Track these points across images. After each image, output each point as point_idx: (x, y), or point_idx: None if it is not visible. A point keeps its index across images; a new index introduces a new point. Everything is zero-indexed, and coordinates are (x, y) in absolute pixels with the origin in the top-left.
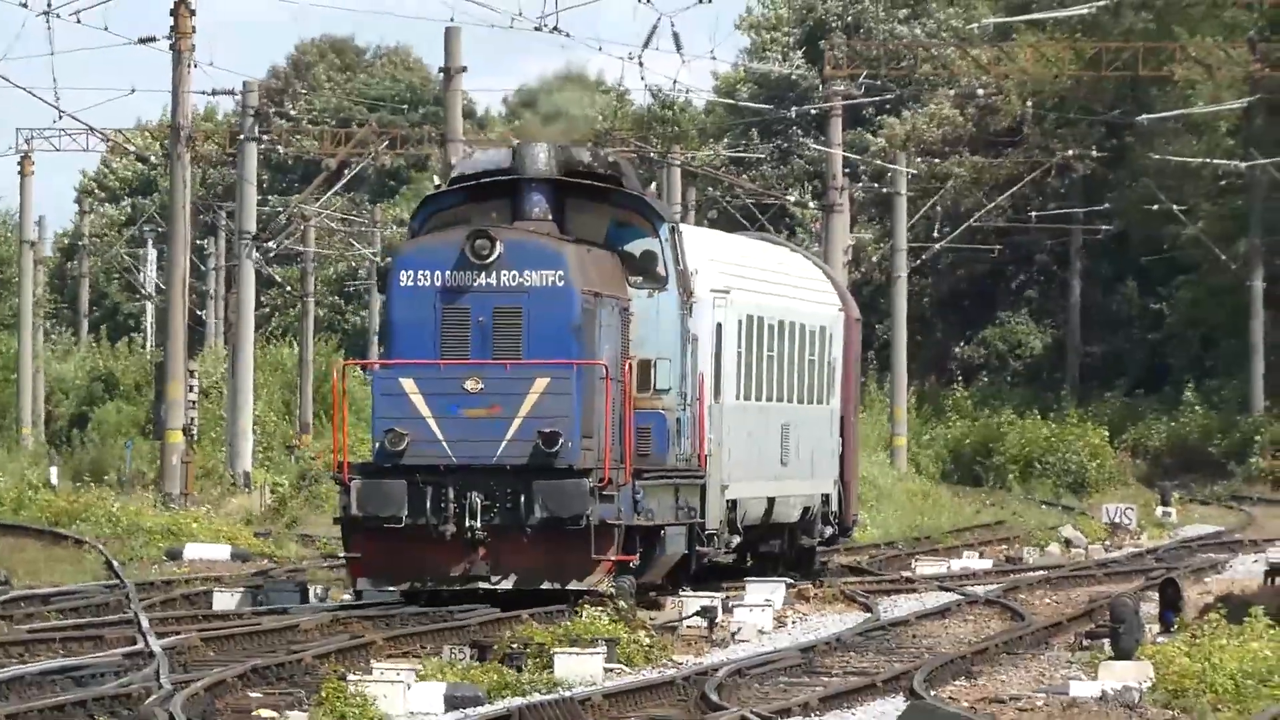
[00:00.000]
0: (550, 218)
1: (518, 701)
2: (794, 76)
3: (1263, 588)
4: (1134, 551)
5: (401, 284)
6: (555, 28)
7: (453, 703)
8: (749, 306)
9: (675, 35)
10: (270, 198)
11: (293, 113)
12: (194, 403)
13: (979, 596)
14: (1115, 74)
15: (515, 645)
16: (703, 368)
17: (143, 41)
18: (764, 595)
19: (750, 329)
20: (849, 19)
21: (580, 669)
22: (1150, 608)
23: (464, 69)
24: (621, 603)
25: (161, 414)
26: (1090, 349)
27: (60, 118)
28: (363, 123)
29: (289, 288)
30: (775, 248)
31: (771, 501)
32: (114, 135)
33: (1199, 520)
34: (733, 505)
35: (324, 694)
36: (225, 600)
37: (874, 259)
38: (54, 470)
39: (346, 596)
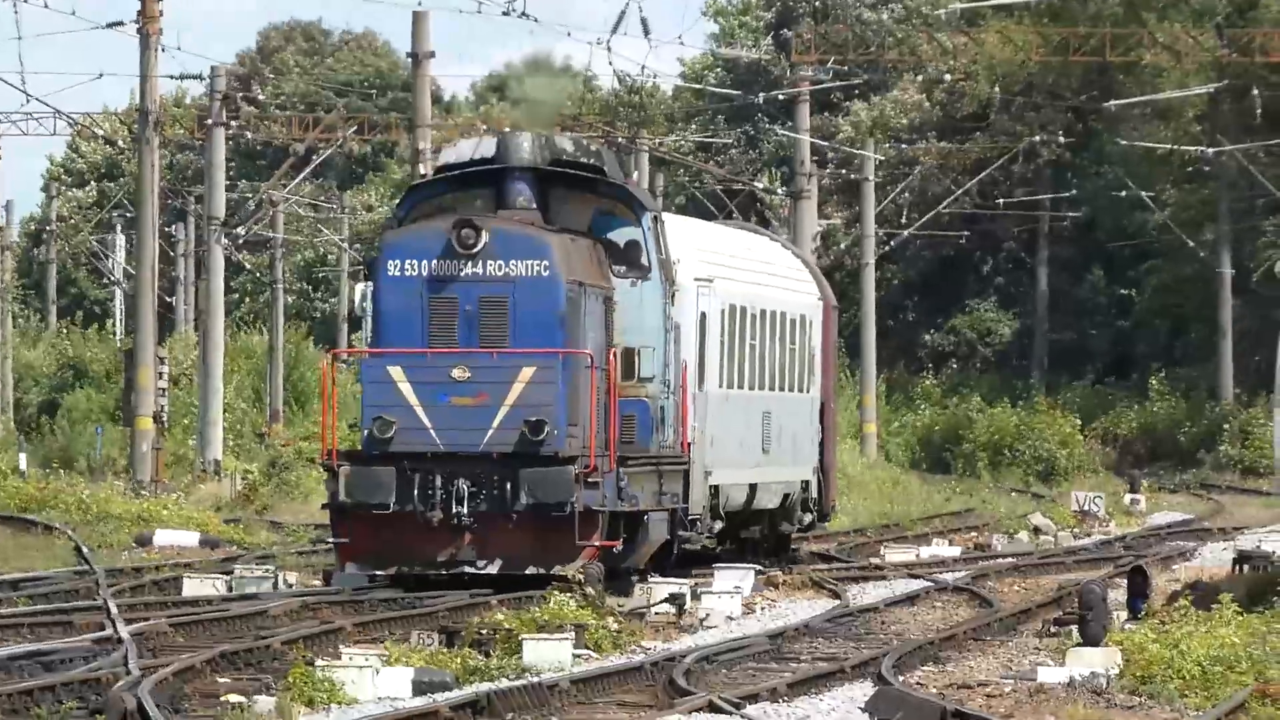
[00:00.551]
0: (535, 207)
1: (486, 686)
2: (763, 62)
3: (1230, 575)
4: (1103, 539)
5: (389, 273)
6: (524, 13)
7: (421, 688)
8: (732, 295)
9: (643, 20)
10: (239, 183)
11: (261, 98)
12: (164, 390)
13: (948, 584)
14: (1083, 59)
15: (484, 631)
16: (686, 356)
17: (110, 26)
18: (733, 582)
19: (733, 318)
20: (817, 3)
21: (549, 655)
22: (1119, 595)
23: (432, 54)
24: (590, 589)
25: (131, 401)
26: (1057, 336)
27: (28, 101)
28: (330, 108)
29: (258, 274)
30: (756, 237)
31: (753, 488)
32: (82, 120)
33: (1168, 508)
34: (715, 491)
35: (292, 679)
36: (196, 586)
37: (842, 245)
38: (23, 457)
39: (316, 582)
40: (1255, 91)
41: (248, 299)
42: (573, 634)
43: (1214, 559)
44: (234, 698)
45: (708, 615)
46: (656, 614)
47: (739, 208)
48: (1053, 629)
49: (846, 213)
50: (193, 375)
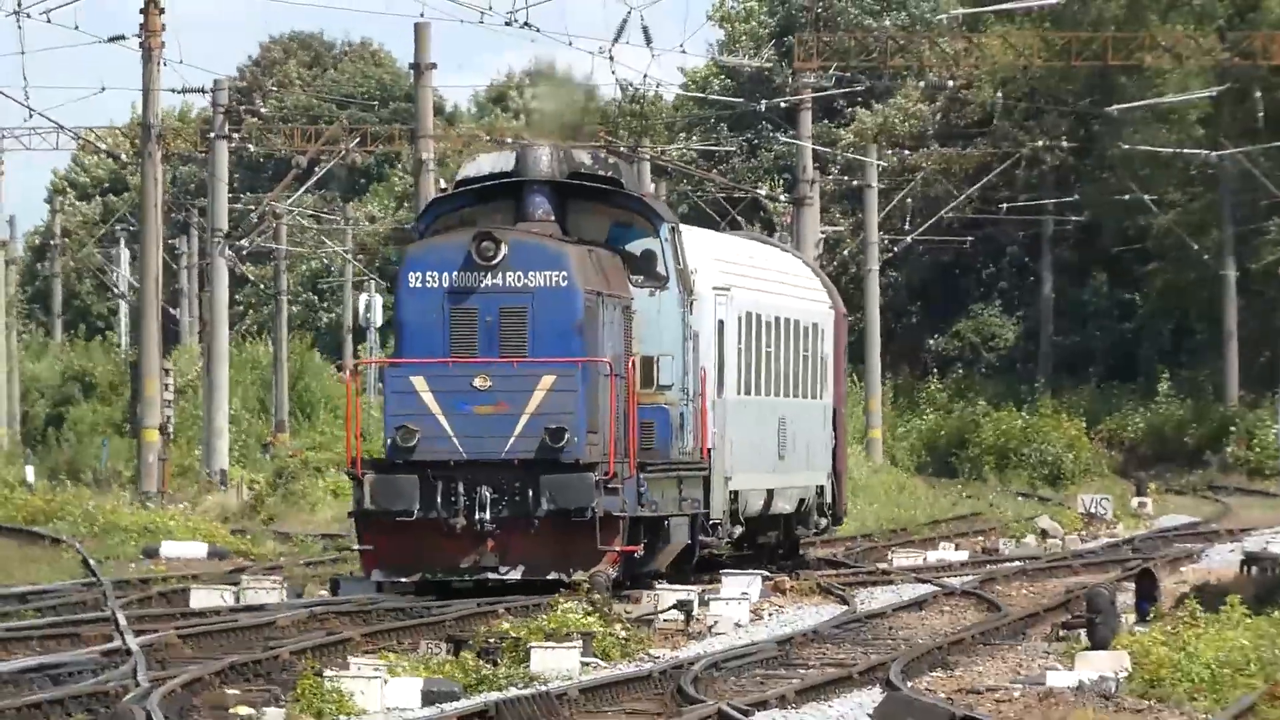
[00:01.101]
0: (553, 219)
1: (494, 696)
2: (765, 71)
3: (1238, 577)
4: (1110, 542)
5: (410, 285)
6: (525, 23)
7: (430, 698)
8: (749, 304)
9: (645, 29)
10: (242, 195)
11: (263, 110)
12: (170, 401)
13: (955, 588)
14: (1085, 64)
15: (491, 640)
16: (705, 363)
17: (113, 40)
18: (740, 588)
19: (750, 325)
20: (819, 9)
21: (557, 663)
22: (1126, 598)
23: (434, 65)
24: (597, 596)
25: (137, 412)
26: (1061, 340)
27: (31, 116)
28: (332, 120)
29: (262, 286)
30: (768, 247)
31: (770, 493)
32: (85, 134)
33: (1175, 510)
34: (735, 497)
35: (300, 690)
36: (204, 597)
37: (845, 253)
38: (30, 469)
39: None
40: (1257, 94)
41: (252, 310)
42: (580, 642)
43: (1221, 561)
44: (243, 709)
45: (716, 622)
46: (665, 621)
47: (742, 215)
48: (1061, 633)
49: (851, 221)
50: (198, 386)
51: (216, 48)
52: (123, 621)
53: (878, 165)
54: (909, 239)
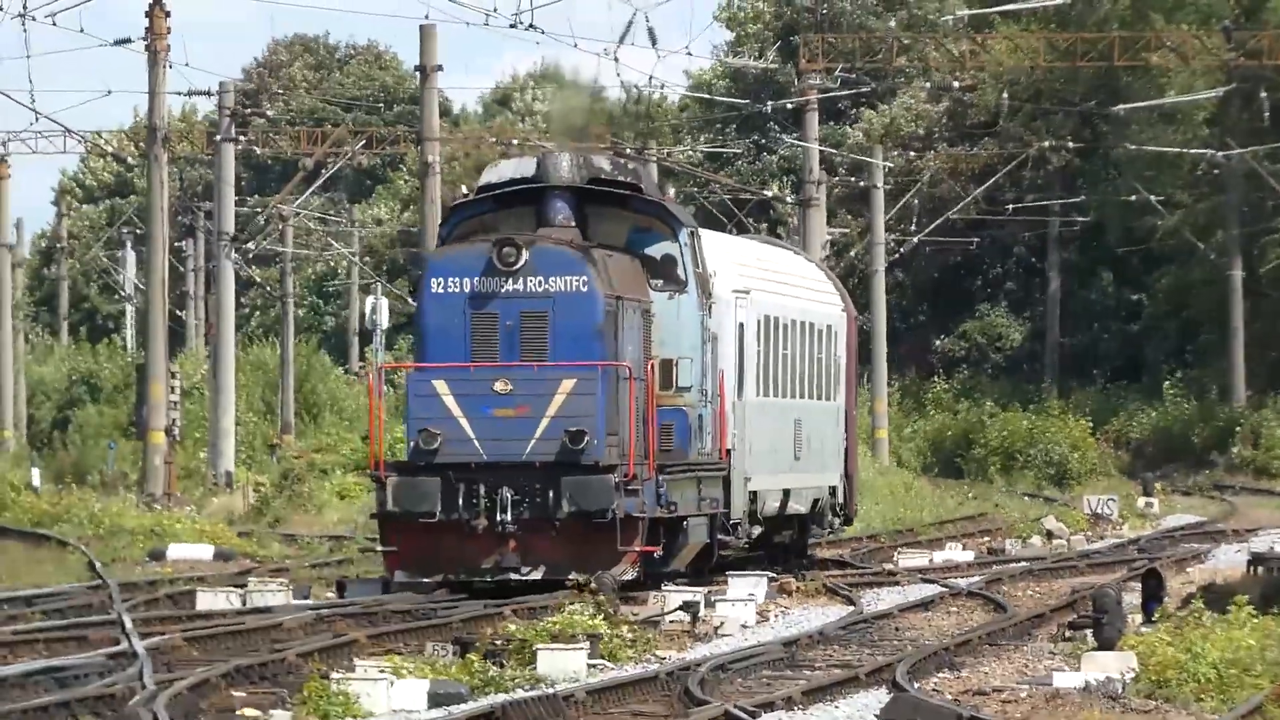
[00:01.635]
0: (573, 224)
1: (501, 698)
2: (769, 73)
3: (1245, 577)
4: (1116, 542)
5: (433, 290)
6: (531, 25)
7: (436, 700)
8: (767, 307)
9: (650, 31)
10: (249, 198)
11: (270, 113)
12: (176, 403)
13: (961, 589)
14: (1090, 64)
15: (498, 642)
16: (725, 365)
17: (119, 43)
18: (746, 589)
19: (768, 328)
20: (823, 11)
21: (563, 665)
22: (1133, 598)
23: (439, 67)
24: (603, 598)
25: (143, 415)
26: (1067, 340)
27: (37, 119)
28: (338, 123)
29: (268, 288)
30: (783, 251)
31: (787, 493)
32: (91, 137)
33: (1181, 510)
34: (754, 497)
35: (307, 693)
36: (210, 599)
37: (852, 254)
38: (36, 472)
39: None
40: (1264, 94)
41: (258, 313)
42: (587, 644)
43: (1228, 561)
44: (249, 712)
45: (722, 623)
46: (671, 622)
47: (749, 217)
48: (1067, 633)
49: (858, 221)
50: (204, 389)
51: (222, 51)
52: (129, 624)
53: (884, 166)
54: (915, 240)
